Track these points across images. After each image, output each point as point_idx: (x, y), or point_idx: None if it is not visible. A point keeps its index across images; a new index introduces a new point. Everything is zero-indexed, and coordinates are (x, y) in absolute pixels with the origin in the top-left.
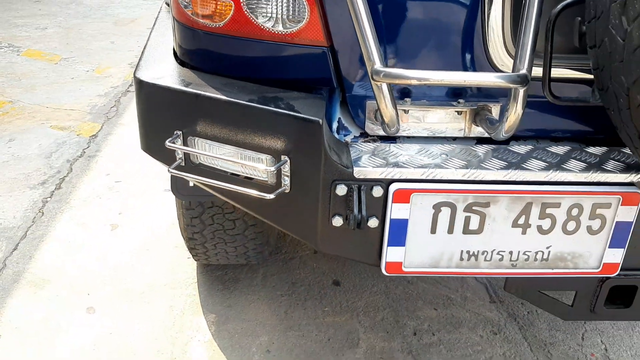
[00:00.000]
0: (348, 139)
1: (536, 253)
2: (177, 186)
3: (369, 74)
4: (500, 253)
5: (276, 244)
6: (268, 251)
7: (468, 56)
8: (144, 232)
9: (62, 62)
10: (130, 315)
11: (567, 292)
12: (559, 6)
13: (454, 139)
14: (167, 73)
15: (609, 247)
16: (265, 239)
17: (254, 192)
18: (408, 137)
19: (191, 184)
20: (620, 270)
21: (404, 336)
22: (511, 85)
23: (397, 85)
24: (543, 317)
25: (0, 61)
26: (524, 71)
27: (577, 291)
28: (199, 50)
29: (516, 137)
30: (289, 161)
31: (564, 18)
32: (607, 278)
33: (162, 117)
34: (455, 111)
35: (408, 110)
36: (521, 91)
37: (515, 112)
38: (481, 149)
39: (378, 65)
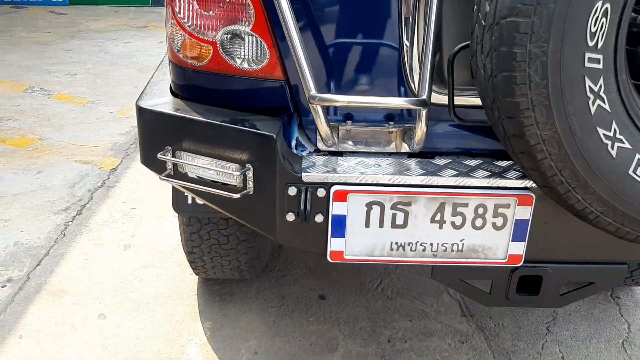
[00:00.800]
0: (304, 153)
1: (452, 245)
2: (178, 204)
3: (307, 99)
4: (423, 244)
5: (268, 261)
6: (260, 267)
7: (394, 85)
8: (153, 252)
9: (88, 104)
10: (136, 320)
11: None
12: (456, 48)
13: (390, 154)
14: (161, 102)
15: (512, 241)
16: (257, 253)
17: (224, 193)
18: (352, 152)
19: (189, 202)
20: (525, 261)
21: (379, 343)
22: (414, 107)
23: (341, 109)
24: (508, 330)
25: (33, 103)
26: (423, 97)
27: (492, 280)
28: (188, 84)
29: (440, 153)
30: (252, 168)
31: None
32: (516, 268)
33: (156, 135)
34: (388, 131)
35: (350, 130)
36: (423, 112)
37: (421, 128)
38: (408, 161)
39: (313, 92)
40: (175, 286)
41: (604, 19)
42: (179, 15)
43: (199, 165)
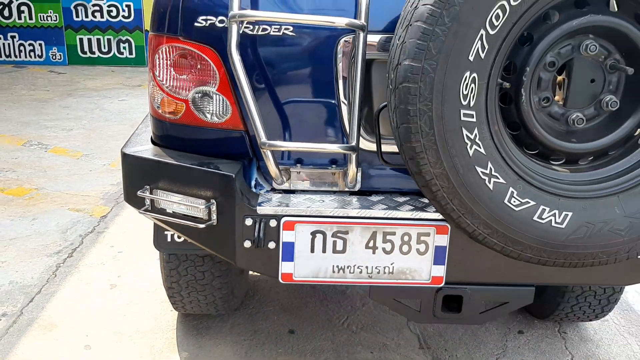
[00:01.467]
0: (262, 191)
1: (384, 267)
2: (158, 241)
3: (259, 145)
4: (360, 267)
5: (244, 299)
6: (235, 303)
7: (334, 134)
8: (136, 290)
9: (83, 157)
10: (119, 351)
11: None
12: (380, 106)
13: (334, 192)
14: (142, 149)
15: (433, 264)
16: (230, 289)
17: (192, 224)
18: (303, 190)
19: (169, 240)
20: (446, 283)
21: None
22: (345, 152)
23: (293, 154)
24: None
25: (30, 156)
26: (353, 144)
27: (421, 299)
28: (165, 134)
29: (377, 192)
30: (215, 203)
31: None
32: (440, 289)
33: (137, 176)
34: (332, 172)
35: (300, 172)
36: (353, 156)
37: (352, 169)
38: (348, 198)
39: (263, 139)
40: (157, 321)
41: (473, 85)
42: (158, 79)
43: (172, 201)
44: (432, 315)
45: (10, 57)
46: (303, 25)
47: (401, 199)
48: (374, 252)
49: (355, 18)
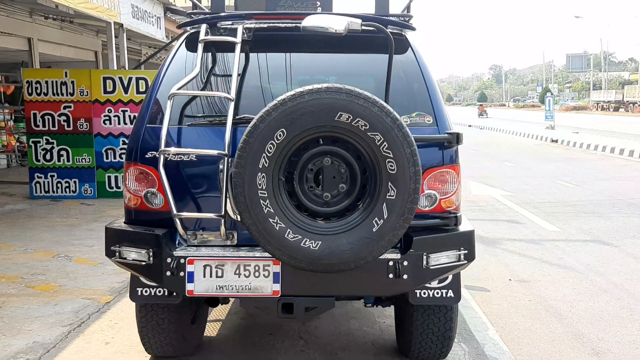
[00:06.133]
0: (183, 246)
1: (245, 286)
2: (132, 294)
3: (172, 216)
4: (231, 286)
5: (196, 346)
6: (188, 347)
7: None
8: (123, 346)
9: (99, 264)
10: None
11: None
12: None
13: (225, 246)
14: (117, 225)
15: (273, 283)
16: (182, 334)
17: (137, 263)
18: (205, 245)
19: (139, 293)
20: (282, 295)
21: None
22: (217, 218)
23: (200, 223)
24: None
25: (57, 265)
26: (222, 213)
27: (270, 305)
28: (130, 217)
29: (250, 245)
30: (151, 251)
31: None
32: (279, 298)
33: (111, 239)
34: (219, 234)
35: (202, 234)
36: (222, 221)
37: (222, 229)
38: (228, 248)
39: (174, 212)
40: None
41: (263, 178)
42: (127, 185)
43: (130, 251)
44: (277, 316)
45: (49, 193)
46: (198, 154)
47: (257, 247)
48: (239, 277)
49: (224, 150)
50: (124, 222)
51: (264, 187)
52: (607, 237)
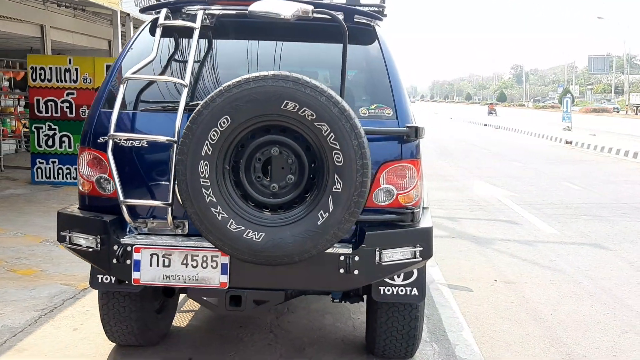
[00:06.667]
0: (133, 233)
1: (193, 276)
2: (93, 282)
3: (119, 202)
4: (178, 276)
5: (160, 336)
6: (152, 337)
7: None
8: (90, 333)
9: None
10: None
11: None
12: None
13: (175, 235)
14: (69, 210)
15: (221, 274)
16: (144, 322)
17: (85, 249)
18: (155, 233)
19: (100, 281)
20: (230, 287)
21: None
22: (165, 206)
23: (149, 210)
24: None
25: (44, 250)
26: (169, 202)
27: (218, 297)
28: (83, 202)
29: (198, 235)
30: (99, 237)
31: None
32: (227, 290)
33: (62, 224)
34: (167, 222)
35: (152, 222)
36: (169, 209)
37: (169, 218)
38: (177, 237)
39: (121, 198)
40: (98, 350)
41: (206, 167)
42: (80, 170)
43: (79, 236)
44: (224, 309)
45: (50, 179)
46: (149, 141)
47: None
48: (186, 267)
49: (173, 137)
50: (77, 208)
51: (206, 176)
52: (605, 240)
